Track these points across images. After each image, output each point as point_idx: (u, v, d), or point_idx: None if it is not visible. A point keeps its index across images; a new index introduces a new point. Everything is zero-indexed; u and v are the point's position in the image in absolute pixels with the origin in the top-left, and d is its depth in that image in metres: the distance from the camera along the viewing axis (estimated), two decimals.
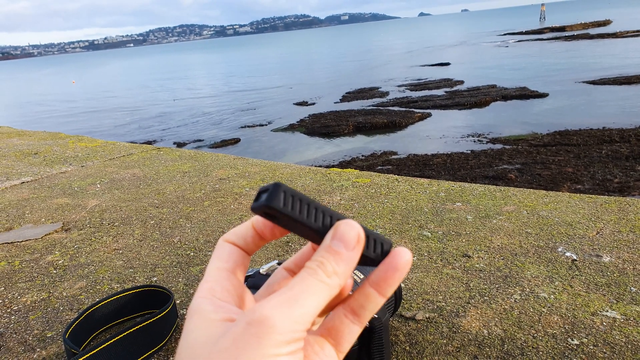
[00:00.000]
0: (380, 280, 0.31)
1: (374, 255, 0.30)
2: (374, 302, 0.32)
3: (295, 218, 0.28)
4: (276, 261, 0.74)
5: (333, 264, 0.29)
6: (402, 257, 0.30)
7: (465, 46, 26.53)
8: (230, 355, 0.26)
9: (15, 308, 0.98)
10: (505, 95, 10.22)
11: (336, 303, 0.33)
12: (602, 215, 1.20)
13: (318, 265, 0.29)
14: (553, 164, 5.61)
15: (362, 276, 0.80)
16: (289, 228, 0.31)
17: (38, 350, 0.85)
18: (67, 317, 0.94)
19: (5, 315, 0.96)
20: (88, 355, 0.76)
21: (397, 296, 0.81)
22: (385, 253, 0.30)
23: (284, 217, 0.28)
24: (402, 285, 0.95)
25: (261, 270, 0.72)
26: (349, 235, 0.30)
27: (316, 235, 0.30)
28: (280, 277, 0.34)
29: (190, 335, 0.28)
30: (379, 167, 6.23)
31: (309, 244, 0.33)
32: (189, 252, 1.17)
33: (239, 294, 0.31)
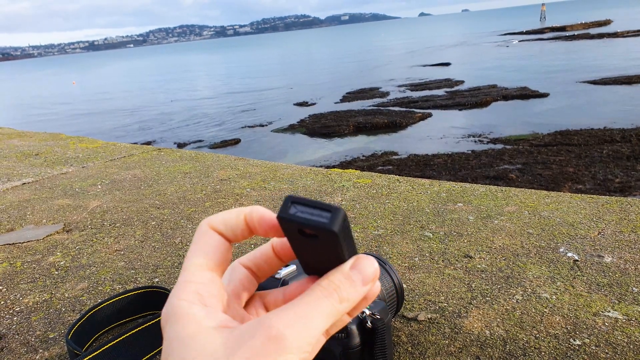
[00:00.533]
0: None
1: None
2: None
3: (338, 247, 0.28)
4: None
5: (349, 290, 0.29)
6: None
7: (465, 46, 26.52)
8: None
9: (18, 309, 0.98)
10: (506, 95, 10.22)
11: None
12: (603, 215, 1.20)
13: (335, 289, 0.29)
14: (554, 164, 5.61)
15: None
16: (300, 249, 0.30)
17: (40, 351, 0.85)
18: (69, 318, 0.94)
19: (7, 316, 0.96)
20: (91, 356, 0.76)
21: (399, 297, 0.81)
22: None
23: (325, 241, 0.28)
24: (405, 286, 0.95)
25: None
26: (368, 271, 0.30)
27: (328, 264, 0.30)
28: (240, 276, 0.33)
29: (184, 343, 0.27)
30: (380, 168, 6.23)
31: (268, 244, 0.33)
32: None
33: (222, 297, 0.30)
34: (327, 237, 0.27)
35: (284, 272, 0.72)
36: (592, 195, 1.34)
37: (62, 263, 1.16)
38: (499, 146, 6.66)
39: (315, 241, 0.28)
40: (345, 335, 0.65)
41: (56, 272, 1.12)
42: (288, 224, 0.28)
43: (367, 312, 0.65)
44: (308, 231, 0.28)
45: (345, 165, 6.45)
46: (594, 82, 10.76)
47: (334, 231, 0.27)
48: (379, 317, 0.65)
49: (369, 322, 0.65)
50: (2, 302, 1.02)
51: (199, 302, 0.28)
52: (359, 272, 0.30)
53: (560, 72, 12.80)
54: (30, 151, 2.50)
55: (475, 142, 7.08)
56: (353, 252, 0.30)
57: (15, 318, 0.96)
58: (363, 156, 6.84)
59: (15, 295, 1.04)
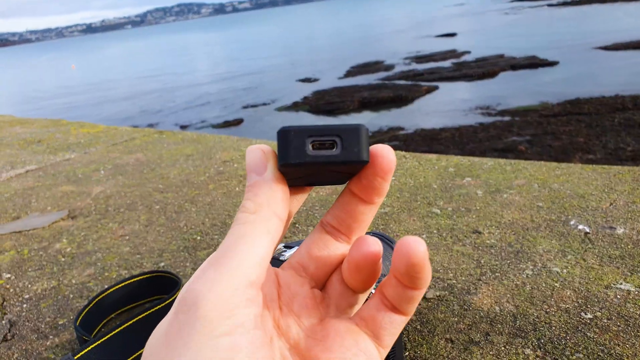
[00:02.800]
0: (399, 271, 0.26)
1: (340, 153, 0.25)
2: (412, 296, 0.27)
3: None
4: (282, 244, 0.73)
5: (252, 197, 0.26)
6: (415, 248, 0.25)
7: (471, 15, 26.00)
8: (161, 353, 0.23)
9: (27, 297, 0.99)
10: (514, 64, 10.04)
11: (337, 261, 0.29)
12: (615, 186, 1.17)
13: (240, 210, 0.26)
14: (564, 134, 5.53)
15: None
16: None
17: (51, 337, 0.86)
18: (77, 304, 0.94)
19: (17, 304, 0.97)
20: (99, 342, 0.76)
21: None
22: (359, 145, 0.25)
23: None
24: None
25: (281, 258, 0.71)
26: (250, 160, 0.27)
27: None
28: (315, 235, 0.30)
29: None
30: (386, 143, 6.19)
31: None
32: (195, 236, 1.16)
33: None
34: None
35: (288, 254, 0.71)
36: (603, 166, 1.30)
37: (68, 250, 1.16)
38: (508, 118, 6.57)
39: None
40: None
41: (63, 259, 1.12)
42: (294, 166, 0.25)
43: None
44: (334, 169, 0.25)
45: None
46: (605, 48, 10.52)
47: (365, 161, 0.25)
48: None
49: None
50: (12, 290, 1.02)
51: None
52: (248, 171, 0.27)
53: (570, 38, 12.52)
54: (32, 138, 2.50)
55: (483, 114, 6.98)
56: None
57: (25, 305, 0.96)
58: (369, 132, 6.80)
59: (24, 282, 1.05)
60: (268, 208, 0.26)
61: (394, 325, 0.27)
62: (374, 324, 0.27)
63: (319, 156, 0.25)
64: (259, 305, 0.24)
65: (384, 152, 0.27)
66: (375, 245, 0.26)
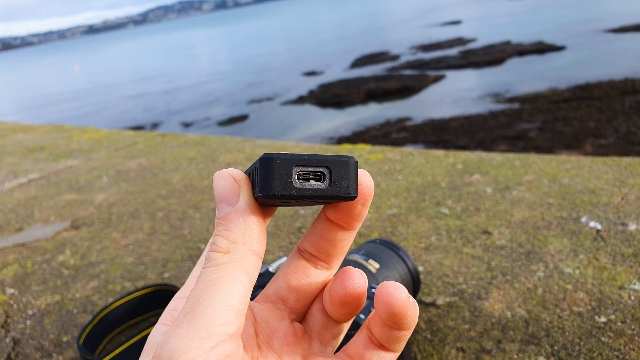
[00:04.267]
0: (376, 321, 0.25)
1: (328, 187, 0.23)
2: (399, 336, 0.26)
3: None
4: (285, 257, 0.71)
5: (224, 233, 0.23)
6: (395, 295, 0.24)
7: (475, 1, 25.68)
8: None
9: (31, 313, 0.98)
10: (521, 50, 9.90)
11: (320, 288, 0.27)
12: (626, 179, 1.14)
13: (211, 249, 0.23)
14: (574, 120, 5.44)
15: (377, 265, 0.77)
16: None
17: (55, 355, 0.85)
18: (81, 319, 0.93)
19: (21, 320, 0.96)
20: None
21: (415, 283, 0.77)
22: (348, 179, 0.23)
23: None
24: (421, 268, 0.91)
25: (270, 269, 0.69)
26: (220, 188, 0.24)
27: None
28: (292, 263, 0.27)
29: None
30: (394, 135, 6.14)
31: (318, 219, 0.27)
32: (199, 244, 1.15)
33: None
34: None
35: (275, 264, 0.69)
36: (613, 158, 1.27)
37: (72, 262, 1.15)
38: (517, 105, 6.48)
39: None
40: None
41: (66, 272, 1.11)
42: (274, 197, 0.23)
43: None
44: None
45: (358, 134, 6.35)
46: (613, 31, 10.33)
47: (354, 197, 0.23)
48: None
49: None
50: (15, 306, 1.02)
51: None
52: (217, 202, 0.24)
53: (576, 22, 12.31)
54: (34, 145, 2.50)
55: (492, 102, 6.89)
56: None
57: (28, 322, 0.95)
58: (376, 124, 6.74)
59: (28, 297, 1.04)
60: (243, 245, 0.23)
61: None
62: None
63: (305, 189, 0.23)
64: (239, 357, 0.22)
65: (364, 179, 0.25)
66: (360, 280, 0.25)
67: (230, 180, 0.24)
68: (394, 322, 0.24)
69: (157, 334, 0.26)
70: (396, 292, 0.23)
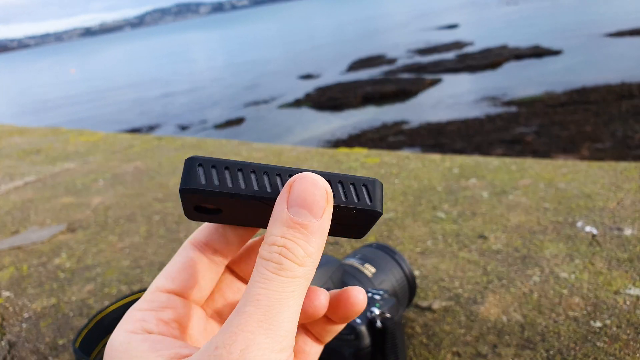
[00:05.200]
0: (335, 311, 0.27)
1: (358, 204, 0.23)
2: (334, 330, 0.29)
3: (228, 192, 0.21)
4: None
5: (303, 244, 0.22)
6: (356, 295, 0.27)
7: (472, 6, 25.79)
8: None
9: (26, 316, 0.98)
10: (518, 54, 9.94)
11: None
12: (622, 183, 1.14)
13: (282, 253, 0.22)
14: (571, 124, 5.47)
15: (374, 270, 0.77)
16: (231, 217, 0.24)
17: (50, 358, 0.85)
18: (77, 323, 0.93)
19: (16, 323, 0.96)
20: None
21: (411, 288, 0.78)
22: (372, 195, 0.23)
23: (214, 198, 0.22)
24: (417, 272, 0.91)
25: None
26: (310, 195, 0.22)
27: (262, 209, 0.22)
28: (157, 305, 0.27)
29: None
30: (391, 138, 6.15)
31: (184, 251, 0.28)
32: None
33: (180, 321, 0.26)
34: (205, 195, 0.23)
35: None
36: (609, 162, 1.27)
37: (67, 265, 1.15)
38: (514, 108, 6.50)
39: (219, 210, 0.24)
40: (355, 336, 0.62)
41: (62, 275, 1.11)
42: (187, 204, 0.24)
43: (377, 311, 0.62)
44: (191, 208, 0.24)
45: (355, 138, 6.36)
46: (610, 35, 10.39)
47: (191, 187, 0.22)
48: (389, 316, 0.62)
49: (378, 322, 0.62)
50: (11, 309, 1.01)
51: (142, 331, 0.24)
52: (300, 206, 0.22)
53: (573, 26, 12.37)
54: (31, 148, 2.49)
55: (488, 105, 6.92)
56: (276, 176, 0.22)
57: (24, 325, 0.95)
58: (373, 127, 6.74)
59: (23, 300, 1.03)
60: (314, 261, 0.23)
61: (317, 354, 0.30)
62: (302, 355, 0.29)
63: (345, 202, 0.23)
64: None
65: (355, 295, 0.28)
66: (363, 304, 0.28)
67: (323, 192, 0.22)
68: (348, 318, 0.27)
69: (121, 341, 0.24)
70: (359, 294, 0.27)
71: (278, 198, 0.22)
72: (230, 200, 0.22)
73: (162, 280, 0.27)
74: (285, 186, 0.22)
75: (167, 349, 0.23)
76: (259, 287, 0.22)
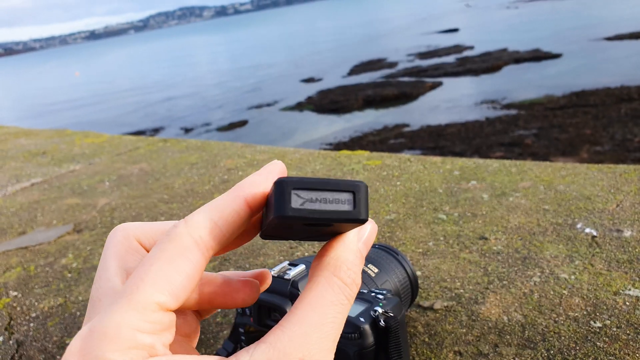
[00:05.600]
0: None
1: (343, 213, 0.23)
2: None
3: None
4: (287, 262, 0.72)
5: (358, 271, 0.25)
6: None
7: (473, 10, 25.85)
8: None
9: (34, 315, 0.99)
10: (518, 58, 9.97)
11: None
12: (621, 186, 1.16)
13: (345, 280, 0.24)
14: (571, 127, 5.48)
15: (376, 270, 0.78)
16: (293, 234, 0.25)
17: (58, 357, 0.86)
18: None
19: (24, 323, 0.97)
20: None
21: (414, 288, 0.79)
22: (357, 202, 0.23)
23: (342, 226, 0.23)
24: (419, 273, 0.93)
25: (272, 272, 0.70)
26: (372, 241, 0.26)
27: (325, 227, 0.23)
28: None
29: None
30: (392, 141, 6.16)
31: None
32: None
33: (184, 333, 0.27)
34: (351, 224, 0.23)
35: (293, 272, 0.70)
36: (609, 165, 1.29)
37: (74, 265, 1.17)
38: (513, 111, 6.52)
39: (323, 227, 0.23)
40: (358, 335, 0.63)
41: (69, 275, 1.13)
42: (291, 219, 0.22)
43: (380, 310, 0.63)
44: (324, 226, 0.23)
45: (355, 140, 6.38)
46: (609, 39, 10.42)
47: (364, 220, 0.22)
48: (392, 314, 0.63)
49: (382, 321, 0.63)
50: (19, 309, 1.03)
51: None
52: (366, 245, 0.26)
53: (572, 30, 12.41)
54: (37, 150, 2.51)
55: (488, 108, 6.94)
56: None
57: (32, 324, 0.96)
58: (374, 130, 6.76)
59: (31, 300, 1.05)
60: (356, 290, 0.25)
61: None
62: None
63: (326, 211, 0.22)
64: None
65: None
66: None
67: (375, 228, 0.26)
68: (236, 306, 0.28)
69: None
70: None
71: (354, 230, 0.25)
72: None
73: (168, 298, 0.22)
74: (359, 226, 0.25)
75: None
76: (335, 310, 0.23)
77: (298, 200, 0.22)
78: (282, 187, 0.22)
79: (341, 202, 0.22)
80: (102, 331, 0.20)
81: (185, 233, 0.22)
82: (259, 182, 0.24)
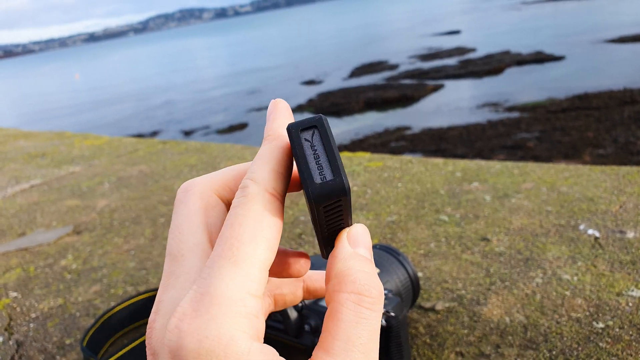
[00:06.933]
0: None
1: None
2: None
3: None
4: None
5: (370, 276, 0.25)
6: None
7: (475, 12, 25.86)
8: None
9: (34, 316, 0.99)
10: (520, 60, 9.96)
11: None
12: (624, 187, 1.15)
13: (362, 291, 0.23)
14: (573, 130, 5.47)
15: (377, 270, 0.78)
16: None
17: (58, 357, 0.85)
18: (84, 323, 0.94)
19: (24, 323, 0.97)
20: None
21: (415, 288, 0.78)
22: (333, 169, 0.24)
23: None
24: (421, 274, 0.92)
25: None
26: (367, 239, 0.26)
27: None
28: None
29: None
30: (393, 144, 6.16)
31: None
32: None
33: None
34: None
35: None
36: (612, 167, 1.28)
37: (74, 266, 1.16)
38: (515, 114, 6.51)
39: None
40: None
41: (69, 276, 1.12)
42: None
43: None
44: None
45: (357, 143, 6.37)
46: (612, 41, 10.41)
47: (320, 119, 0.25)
48: (393, 314, 0.63)
49: (383, 321, 0.62)
50: (19, 309, 1.02)
51: (257, 338, 0.22)
52: (363, 245, 0.26)
53: (575, 33, 12.40)
54: (36, 152, 2.51)
55: (490, 111, 6.93)
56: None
57: (32, 325, 0.96)
58: (375, 133, 6.76)
59: (31, 301, 1.04)
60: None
61: None
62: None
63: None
64: None
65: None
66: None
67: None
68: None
69: (243, 350, 0.24)
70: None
71: (343, 239, 0.26)
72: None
73: (268, 253, 0.23)
74: (344, 232, 0.27)
75: None
76: (359, 329, 0.23)
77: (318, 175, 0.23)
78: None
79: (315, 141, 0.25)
80: (215, 294, 0.21)
81: (261, 189, 0.23)
82: (282, 126, 0.26)
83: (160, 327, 0.21)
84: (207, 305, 0.20)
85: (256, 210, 0.23)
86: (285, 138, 0.25)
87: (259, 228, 0.22)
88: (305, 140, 0.24)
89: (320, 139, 0.24)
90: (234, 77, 16.29)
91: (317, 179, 0.23)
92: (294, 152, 0.24)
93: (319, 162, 0.23)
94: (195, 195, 0.26)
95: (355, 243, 0.25)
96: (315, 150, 0.24)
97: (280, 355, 0.22)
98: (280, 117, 0.26)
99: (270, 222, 0.23)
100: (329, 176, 0.23)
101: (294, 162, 0.24)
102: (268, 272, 0.23)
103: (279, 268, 0.28)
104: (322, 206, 0.23)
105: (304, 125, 0.24)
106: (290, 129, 0.24)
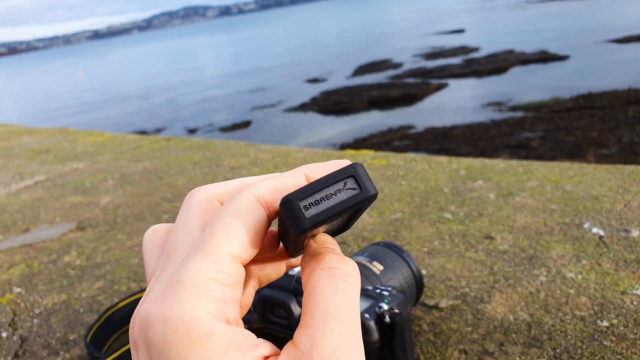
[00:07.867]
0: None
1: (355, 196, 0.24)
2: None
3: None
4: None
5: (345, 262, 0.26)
6: None
7: (479, 11, 25.79)
8: None
9: (37, 311, 0.99)
10: (524, 60, 9.93)
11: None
12: (629, 186, 1.15)
13: (340, 273, 0.24)
14: (577, 129, 5.45)
15: (381, 267, 0.78)
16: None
17: (62, 353, 0.86)
18: (87, 318, 0.94)
19: (28, 319, 0.97)
20: (110, 358, 0.76)
21: (419, 286, 0.78)
22: (360, 183, 0.24)
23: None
24: (424, 272, 0.92)
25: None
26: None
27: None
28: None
29: None
30: (396, 143, 6.15)
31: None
32: None
33: (239, 302, 0.26)
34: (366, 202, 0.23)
35: (297, 268, 0.69)
36: (617, 165, 1.28)
37: (77, 262, 1.17)
38: (519, 114, 6.49)
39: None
40: (363, 331, 0.63)
41: (72, 272, 1.13)
42: (312, 227, 0.23)
43: (385, 306, 0.63)
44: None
45: (360, 142, 6.37)
46: (617, 41, 10.36)
47: (374, 194, 0.23)
48: (397, 311, 0.63)
49: (387, 317, 0.62)
50: (22, 305, 1.03)
51: (224, 319, 0.22)
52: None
53: (580, 32, 12.35)
54: (40, 148, 2.52)
55: (494, 110, 6.91)
56: None
57: (35, 320, 0.96)
58: (379, 132, 6.75)
59: (35, 296, 1.05)
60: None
61: None
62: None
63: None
64: None
65: None
66: None
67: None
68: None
69: (205, 330, 0.24)
70: None
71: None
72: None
73: (239, 249, 0.23)
74: None
75: (248, 348, 0.22)
76: (336, 301, 0.24)
77: (310, 210, 0.23)
78: (290, 204, 0.22)
79: (347, 189, 0.23)
80: (182, 279, 0.22)
81: (249, 192, 0.24)
82: (318, 169, 0.25)
83: (137, 316, 0.22)
84: (174, 290, 0.21)
85: (237, 208, 0.23)
86: (312, 172, 0.26)
87: (235, 225, 0.23)
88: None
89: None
90: (238, 75, 16.30)
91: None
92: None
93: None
94: (198, 199, 0.27)
95: (323, 243, 0.27)
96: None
97: None
98: (331, 165, 0.27)
99: (247, 222, 0.23)
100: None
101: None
102: (243, 268, 0.23)
103: (279, 259, 0.30)
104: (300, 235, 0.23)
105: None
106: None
